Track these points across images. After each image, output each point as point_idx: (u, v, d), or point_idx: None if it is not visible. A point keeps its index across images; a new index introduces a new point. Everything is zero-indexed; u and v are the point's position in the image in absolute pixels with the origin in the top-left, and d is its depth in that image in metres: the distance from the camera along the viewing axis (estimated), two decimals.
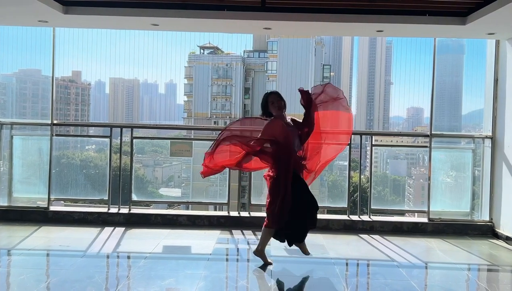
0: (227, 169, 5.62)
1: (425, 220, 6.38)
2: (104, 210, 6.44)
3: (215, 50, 40.46)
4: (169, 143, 6.96)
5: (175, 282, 4.20)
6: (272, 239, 4.76)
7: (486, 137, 6.46)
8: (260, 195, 6.71)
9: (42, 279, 4.26)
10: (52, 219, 6.32)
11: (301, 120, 4.70)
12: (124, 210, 6.44)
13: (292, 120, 4.74)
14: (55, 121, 6.50)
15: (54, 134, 6.51)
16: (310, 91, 4.59)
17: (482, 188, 6.49)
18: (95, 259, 4.87)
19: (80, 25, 6.29)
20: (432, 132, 6.44)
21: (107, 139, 6.58)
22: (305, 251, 4.81)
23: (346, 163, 6.63)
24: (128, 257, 5.10)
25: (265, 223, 4.61)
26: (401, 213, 6.87)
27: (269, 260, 4.70)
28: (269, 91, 4.75)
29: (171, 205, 8.46)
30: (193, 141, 7.14)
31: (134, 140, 6.61)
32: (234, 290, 4.14)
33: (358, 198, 6.64)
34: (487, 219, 6.39)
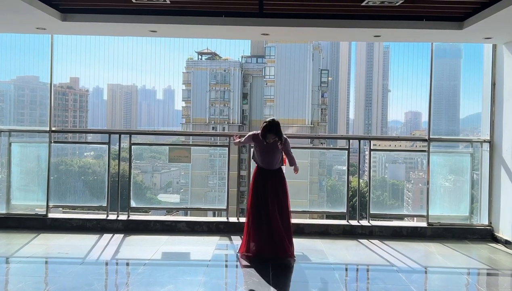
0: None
1: (424, 224, 6.38)
2: (103, 216, 6.42)
3: (213, 56, 40.52)
4: (167, 149, 6.95)
5: (174, 289, 4.18)
6: None
7: (484, 141, 6.47)
8: None
9: (41, 287, 4.25)
10: (50, 226, 6.30)
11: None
12: (123, 217, 6.43)
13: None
14: (53, 128, 6.49)
15: (52, 141, 6.50)
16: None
17: (481, 192, 6.50)
18: (94, 266, 4.86)
19: (78, 32, 6.30)
20: (430, 136, 6.45)
21: (106, 146, 6.57)
22: None
23: (345, 168, 6.63)
24: (127, 264, 5.08)
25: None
26: (400, 217, 6.87)
27: None
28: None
29: (169, 211, 8.44)
30: (191, 147, 7.14)
31: (132, 146, 6.61)
32: None
33: (357, 202, 6.64)
34: (486, 223, 6.38)
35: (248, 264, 4.97)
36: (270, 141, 5.21)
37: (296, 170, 5.44)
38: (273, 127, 5.16)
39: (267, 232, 5.17)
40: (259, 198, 5.28)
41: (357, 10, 5.26)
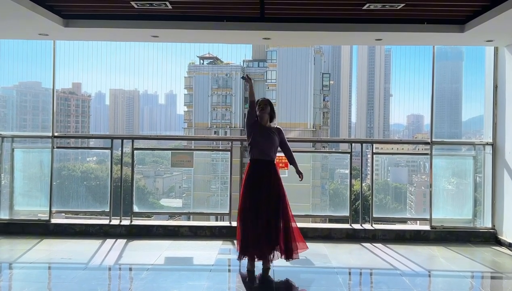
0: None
1: (427, 227, 6.36)
2: (106, 221, 6.43)
3: (214, 60, 40.62)
4: (169, 154, 6.95)
5: None
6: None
7: (487, 144, 6.46)
8: None
9: None
10: (53, 231, 6.31)
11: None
12: (126, 222, 6.43)
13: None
14: (56, 134, 6.51)
15: (55, 147, 6.52)
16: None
17: (484, 195, 6.48)
18: (97, 272, 4.85)
19: (81, 37, 6.33)
20: (433, 139, 6.44)
21: (108, 151, 6.60)
22: None
23: (347, 171, 6.62)
24: (130, 269, 5.08)
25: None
26: (403, 220, 6.85)
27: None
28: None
29: (172, 215, 8.44)
30: (194, 151, 7.14)
31: (135, 151, 6.62)
32: None
33: (360, 206, 6.62)
34: (490, 225, 6.37)
35: (251, 268, 4.95)
36: (264, 110, 4.94)
37: (299, 173, 5.09)
38: (265, 99, 5.03)
39: (256, 235, 4.77)
40: (251, 198, 4.83)
41: (358, 14, 5.27)
